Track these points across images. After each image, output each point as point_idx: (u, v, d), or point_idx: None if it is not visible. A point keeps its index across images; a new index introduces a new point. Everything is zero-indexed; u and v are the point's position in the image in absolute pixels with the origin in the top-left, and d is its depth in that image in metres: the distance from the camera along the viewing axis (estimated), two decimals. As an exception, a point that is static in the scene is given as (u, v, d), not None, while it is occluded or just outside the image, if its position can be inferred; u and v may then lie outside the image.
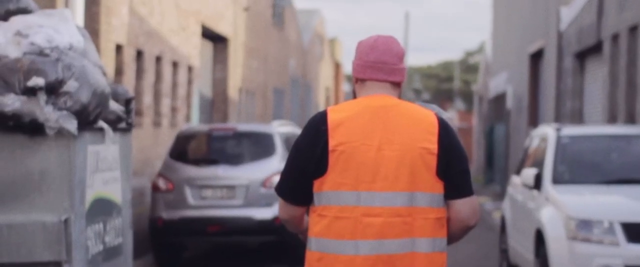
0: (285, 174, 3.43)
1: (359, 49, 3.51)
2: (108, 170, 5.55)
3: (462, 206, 3.40)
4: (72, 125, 4.83)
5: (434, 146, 3.35)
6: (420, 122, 3.39)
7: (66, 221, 4.93)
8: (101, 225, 5.47)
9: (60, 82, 4.81)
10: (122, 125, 5.92)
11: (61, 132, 4.86)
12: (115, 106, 5.66)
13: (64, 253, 4.90)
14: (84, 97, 4.88)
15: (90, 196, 5.23)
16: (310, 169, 3.34)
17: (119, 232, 5.84)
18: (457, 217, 3.42)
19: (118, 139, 5.78)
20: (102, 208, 5.51)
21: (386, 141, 3.35)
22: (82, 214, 5.13)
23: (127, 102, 5.96)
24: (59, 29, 4.97)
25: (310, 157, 3.35)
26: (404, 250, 3.33)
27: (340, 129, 3.35)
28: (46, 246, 4.88)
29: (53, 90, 4.83)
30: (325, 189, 3.34)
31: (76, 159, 4.95)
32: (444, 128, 3.41)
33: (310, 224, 3.41)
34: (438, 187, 3.37)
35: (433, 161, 3.35)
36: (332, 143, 3.33)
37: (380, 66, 3.44)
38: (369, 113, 3.38)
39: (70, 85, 4.81)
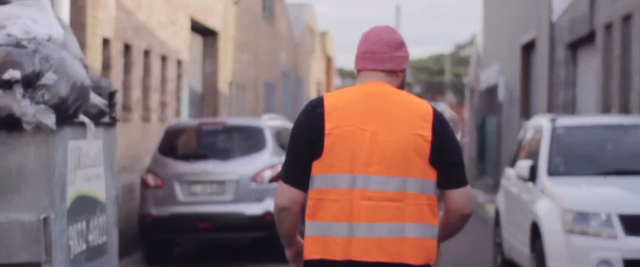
0: (287, 157, 3.49)
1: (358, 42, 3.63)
2: (91, 166, 5.36)
3: (458, 196, 3.48)
4: (50, 119, 4.63)
5: (428, 133, 3.42)
6: (415, 109, 3.47)
7: (45, 220, 4.74)
8: (84, 223, 5.28)
9: (37, 75, 4.62)
10: (106, 119, 5.74)
11: (39, 127, 4.66)
12: (97, 100, 5.48)
13: (44, 253, 4.71)
14: (63, 90, 4.69)
15: (71, 194, 5.05)
16: (308, 151, 3.42)
17: (103, 230, 5.65)
18: (453, 207, 3.49)
19: (101, 134, 5.59)
20: (85, 206, 5.32)
21: (381, 126, 3.42)
22: (63, 212, 4.94)
23: (110, 96, 5.77)
24: (37, 20, 4.79)
25: (307, 139, 3.43)
26: (394, 234, 3.39)
27: (336, 113, 3.43)
28: (25, 246, 4.69)
29: (30, 83, 4.64)
30: (320, 172, 3.41)
31: (56, 155, 4.76)
32: (438, 117, 3.47)
33: (307, 209, 3.46)
34: (430, 174, 3.44)
35: (427, 148, 3.42)
36: (328, 126, 3.41)
37: (369, 56, 3.52)
38: (364, 98, 3.46)
39: (48, 78, 4.62)
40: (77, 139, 5.14)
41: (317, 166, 3.41)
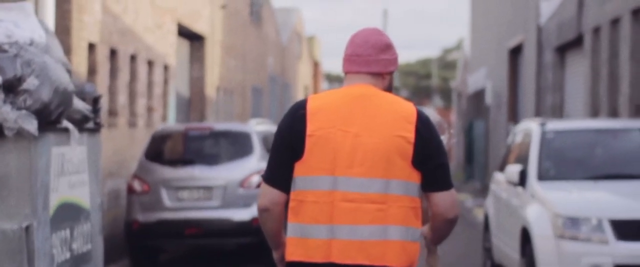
0: (269, 159, 3.50)
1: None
2: (75, 173, 5.25)
3: (441, 199, 3.44)
4: (32, 125, 4.52)
5: (411, 135, 3.39)
6: (398, 111, 3.43)
7: (27, 229, 4.63)
8: (68, 231, 5.17)
9: (19, 80, 4.51)
10: (90, 125, 5.63)
11: (21, 133, 4.54)
12: (81, 105, 5.37)
13: (26, 263, 4.60)
14: (45, 95, 4.58)
15: (55, 201, 4.94)
16: (290, 153, 3.41)
17: (87, 238, 5.54)
18: (437, 211, 3.46)
19: (85, 139, 5.48)
20: (69, 213, 5.21)
21: (364, 128, 3.40)
22: (46, 220, 4.83)
23: (94, 101, 5.66)
24: (19, 24, 4.68)
25: (288, 141, 3.42)
26: (377, 237, 3.36)
27: (318, 114, 3.42)
28: (6, 255, 4.57)
29: (11, 88, 4.53)
30: (301, 173, 3.40)
31: (38, 161, 4.65)
32: (422, 119, 3.44)
33: (289, 211, 3.45)
34: (414, 176, 3.41)
35: (409, 150, 3.39)
36: (309, 128, 3.40)
37: (355, 58, 3.50)
38: (348, 101, 3.44)
39: (30, 83, 4.51)
40: (61, 145, 5.03)
41: (298, 168, 3.40)
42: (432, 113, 4.08)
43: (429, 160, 3.40)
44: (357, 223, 3.34)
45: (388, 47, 3.51)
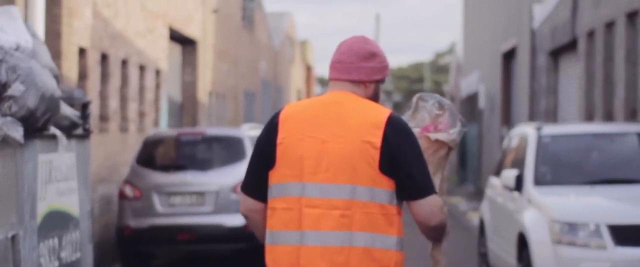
0: (247, 168, 3.53)
1: None
2: (63, 180, 5.12)
3: (419, 208, 3.39)
4: (17, 132, 4.39)
5: (377, 140, 3.34)
6: (369, 117, 3.39)
7: (14, 238, 4.50)
8: (56, 240, 5.04)
9: (4, 86, 4.38)
10: (79, 131, 5.50)
11: (6, 141, 4.41)
12: (69, 111, 5.24)
13: (12, 273, 4.47)
14: (31, 101, 4.45)
15: (42, 209, 4.81)
16: (264, 161, 3.44)
17: (76, 246, 5.42)
18: (416, 219, 3.43)
19: (74, 146, 5.35)
20: (57, 221, 5.08)
21: (332, 134, 3.38)
22: (33, 229, 4.70)
23: (83, 107, 5.54)
24: (4, 28, 4.55)
25: (262, 149, 3.45)
26: (340, 243, 3.33)
27: (288, 122, 3.43)
28: (-8, 265, 4.44)
29: (-4, 94, 4.41)
30: (274, 181, 3.43)
31: (24, 169, 4.52)
32: (394, 125, 3.38)
33: (267, 219, 3.49)
34: (382, 182, 3.35)
35: (375, 155, 3.34)
36: (279, 136, 3.42)
37: (337, 66, 3.50)
38: (319, 107, 3.44)
39: (16, 89, 4.38)
40: (48, 152, 4.90)
41: (272, 176, 3.43)
42: (443, 99, 3.88)
43: (398, 168, 3.34)
44: (322, 229, 3.33)
45: (373, 56, 3.47)
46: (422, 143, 3.70)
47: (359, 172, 3.33)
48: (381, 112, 3.40)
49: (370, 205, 3.33)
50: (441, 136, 3.76)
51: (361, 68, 3.46)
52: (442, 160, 3.79)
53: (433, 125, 3.79)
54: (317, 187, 3.35)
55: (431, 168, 3.67)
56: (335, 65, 3.50)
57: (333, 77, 3.50)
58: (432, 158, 3.75)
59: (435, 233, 3.47)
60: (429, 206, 3.38)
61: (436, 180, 3.73)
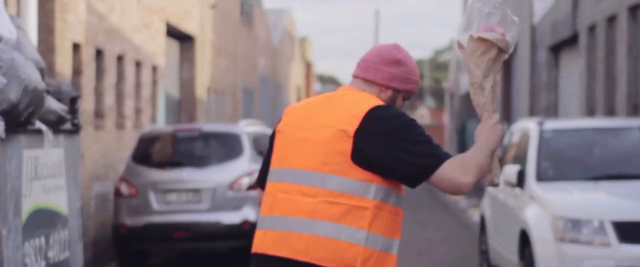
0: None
1: None
2: (50, 177, 4.95)
3: (439, 184, 3.25)
4: (-1, 127, 4.22)
5: (351, 129, 3.27)
6: (352, 107, 3.33)
7: (-3, 237, 4.33)
8: (43, 239, 4.87)
9: (-16, 78, 4.21)
10: (67, 126, 5.32)
11: (-13, 136, 4.25)
12: (56, 105, 5.06)
13: (-5, 273, 4.30)
14: (13, 94, 4.28)
15: (27, 207, 4.64)
16: (270, 153, 3.50)
17: (65, 245, 5.24)
18: (448, 192, 3.29)
19: (62, 141, 5.18)
20: (44, 220, 4.91)
21: (319, 124, 3.35)
22: (18, 227, 4.53)
23: (72, 101, 5.36)
24: (-13, 19, 4.39)
25: (270, 141, 3.52)
26: (301, 230, 3.25)
27: (290, 113, 3.48)
28: (-26, 265, 4.27)
29: (-24, 87, 4.22)
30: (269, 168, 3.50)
31: (7, 165, 4.34)
32: (373, 114, 3.27)
33: None
34: (354, 173, 3.24)
35: (348, 144, 3.25)
36: (278, 126, 3.47)
37: (360, 63, 3.50)
38: (322, 100, 3.44)
39: (-3, 81, 4.21)
40: (33, 147, 4.73)
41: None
42: (498, 1, 3.58)
43: (381, 157, 3.20)
44: (287, 215, 3.29)
45: (397, 62, 3.42)
46: (470, 45, 3.46)
47: (330, 161, 3.26)
48: (368, 104, 3.31)
49: (337, 194, 3.24)
50: (488, 35, 3.46)
51: (380, 70, 3.42)
52: (492, 63, 3.46)
53: (484, 26, 3.51)
54: (290, 172, 3.32)
55: (481, 70, 3.43)
56: (360, 63, 3.49)
57: (354, 74, 3.50)
58: (481, 60, 3.44)
59: (477, 178, 3.25)
60: (447, 177, 3.20)
61: (488, 83, 3.45)
